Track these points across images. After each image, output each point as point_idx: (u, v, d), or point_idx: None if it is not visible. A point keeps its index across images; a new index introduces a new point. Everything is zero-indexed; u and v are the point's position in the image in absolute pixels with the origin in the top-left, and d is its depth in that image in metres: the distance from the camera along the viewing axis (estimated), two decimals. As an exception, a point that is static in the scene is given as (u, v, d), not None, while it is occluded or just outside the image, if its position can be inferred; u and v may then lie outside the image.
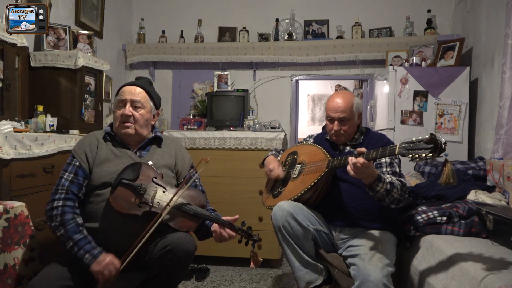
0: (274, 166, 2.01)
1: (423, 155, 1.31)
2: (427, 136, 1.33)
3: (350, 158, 1.57)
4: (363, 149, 1.57)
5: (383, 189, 1.61)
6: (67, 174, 1.54)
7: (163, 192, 1.54)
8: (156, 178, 1.57)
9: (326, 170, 1.75)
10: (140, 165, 1.57)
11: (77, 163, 1.56)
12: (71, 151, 1.62)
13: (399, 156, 1.49)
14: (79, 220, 1.48)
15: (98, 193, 1.54)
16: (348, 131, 1.90)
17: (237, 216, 1.60)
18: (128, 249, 1.39)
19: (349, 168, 1.57)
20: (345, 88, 6.11)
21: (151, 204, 1.50)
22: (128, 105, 1.62)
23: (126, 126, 1.61)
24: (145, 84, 1.71)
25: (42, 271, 1.42)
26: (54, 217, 1.46)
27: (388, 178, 1.69)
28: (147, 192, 1.52)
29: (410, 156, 1.35)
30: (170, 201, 1.48)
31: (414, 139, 1.38)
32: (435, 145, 1.30)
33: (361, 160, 1.52)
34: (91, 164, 1.57)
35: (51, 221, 1.46)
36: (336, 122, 1.89)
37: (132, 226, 1.45)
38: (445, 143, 1.29)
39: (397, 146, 1.43)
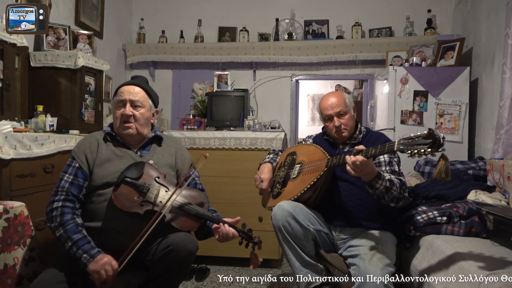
0: (265, 178, 1.99)
1: (422, 150, 1.31)
2: (425, 132, 1.33)
3: (347, 157, 1.57)
4: (361, 147, 1.57)
5: (382, 186, 1.61)
6: (67, 175, 1.53)
7: (166, 191, 1.54)
8: (159, 177, 1.57)
9: (325, 169, 1.75)
10: (143, 164, 1.57)
11: (77, 165, 1.55)
12: (70, 152, 1.62)
13: (398, 152, 1.49)
14: (79, 220, 1.48)
15: (100, 193, 1.54)
16: (349, 124, 1.91)
17: (238, 218, 1.60)
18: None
19: (348, 168, 1.57)
20: (345, 88, 6.13)
21: (153, 203, 1.50)
22: (128, 105, 1.62)
23: (127, 126, 1.62)
24: (143, 83, 1.71)
25: (40, 275, 1.41)
26: (54, 218, 1.46)
27: (388, 176, 1.69)
28: (150, 191, 1.52)
29: (409, 152, 1.35)
30: (169, 198, 1.48)
31: (412, 134, 1.38)
32: (433, 140, 1.30)
33: (360, 158, 1.52)
34: (91, 165, 1.57)
35: (51, 222, 1.46)
36: (335, 119, 1.90)
37: (134, 226, 1.45)
38: (443, 138, 1.29)
39: (396, 143, 1.43)
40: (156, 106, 1.75)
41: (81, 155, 1.58)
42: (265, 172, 2.03)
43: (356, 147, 1.58)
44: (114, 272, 1.38)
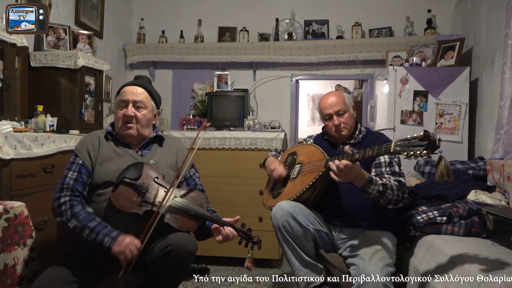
0: (275, 166, 2.00)
1: (418, 152, 1.32)
2: (421, 133, 1.33)
3: (331, 163, 1.58)
4: (346, 147, 1.59)
5: (375, 191, 1.62)
6: (71, 172, 1.54)
7: (165, 192, 1.54)
8: (158, 178, 1.57)
9: (324, 169, 1.75)
10: (142, 164, 1.57)
11: (80, 161, 1.56)
12: (73, 150, 1.62)
13: (396, 154, 1.49)
14: (89, 209, 1.50)
15: (100, 193, 1.54)
16: (348, 123, 1.92)
17: (238, 217, 1.61)
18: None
19: (332, 174, 1.57)
20: (345, 88, 6.14)
21: (152, 203, 1.50)
22: (131, 105, 1.62)
23: (129, 127, 1.62)
24: (146, 84, 1.71)
25: (42, 274, 1.41)
26: (64, 212, 1.46)
27: (383, 179, 1.69)
28: (149, 191, 1.52)
29: (405, 153, 1.36)
30: (167, 193, 1.49)
31: (409, 136, 1.39)
32: (429, 142, 1.30)
33: (344, 162, 1.52)
34: (94, 162, 1.57)
35: (61, 216, 1.47)
36: (334, 117, 1.91)
37: (134, 226, 1.46)
38: (439, 139, 1.30)
39: (392, 144, 1.43)
40: (158, 107, 1.75)
41: (84, 152, 1.58)
42: (273, 162, 2.03)
43: (346, 148, 1.60)
44: (138, 251, 1.40)
